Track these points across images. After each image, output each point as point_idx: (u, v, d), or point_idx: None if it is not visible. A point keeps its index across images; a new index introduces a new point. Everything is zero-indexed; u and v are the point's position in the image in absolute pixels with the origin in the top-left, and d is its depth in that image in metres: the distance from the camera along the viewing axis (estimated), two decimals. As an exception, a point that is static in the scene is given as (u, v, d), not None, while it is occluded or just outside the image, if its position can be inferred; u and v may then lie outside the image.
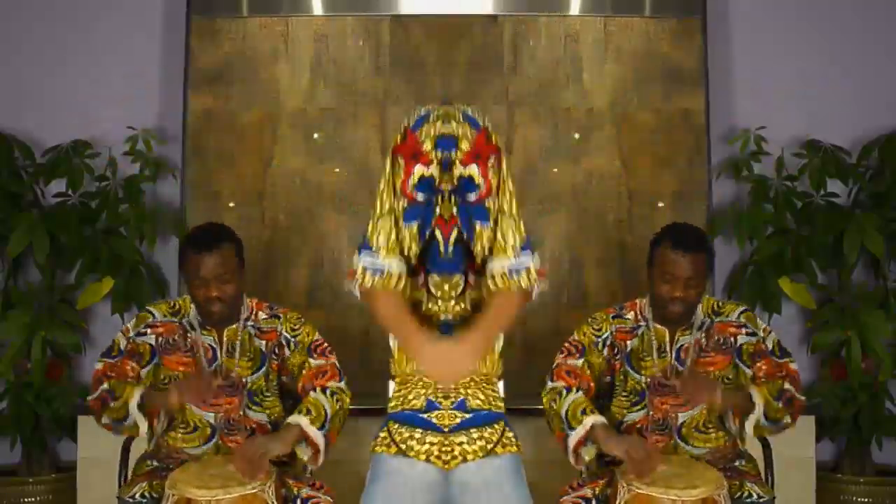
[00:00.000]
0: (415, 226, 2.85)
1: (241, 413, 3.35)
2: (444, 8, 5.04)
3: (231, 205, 4.98)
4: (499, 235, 2.85)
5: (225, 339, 3.38)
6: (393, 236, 2.85)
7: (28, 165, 4.87)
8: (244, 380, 3.36)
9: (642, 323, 3.39)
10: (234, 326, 3.39)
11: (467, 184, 2.82)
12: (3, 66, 5.08)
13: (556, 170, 5.01)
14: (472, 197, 2.83)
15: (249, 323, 3.40)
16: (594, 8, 5.08)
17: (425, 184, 2.83)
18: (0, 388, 4.76)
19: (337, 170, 5.01)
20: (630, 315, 3.42)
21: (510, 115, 5.03)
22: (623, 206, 4.99)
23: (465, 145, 2.82)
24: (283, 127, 5.02)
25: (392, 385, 2.96)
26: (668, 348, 3.36)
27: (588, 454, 3.13)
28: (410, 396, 2.89)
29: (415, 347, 2.73)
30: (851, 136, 4.97)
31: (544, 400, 3.29)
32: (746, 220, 4.78)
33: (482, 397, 2.87)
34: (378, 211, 2.87)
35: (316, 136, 5.04)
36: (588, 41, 5.04)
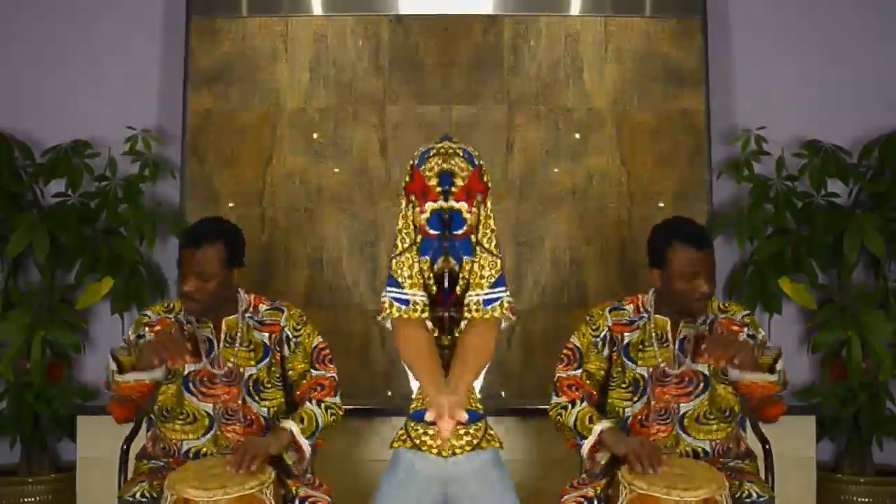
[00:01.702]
0: (428, 259, 3.07)
1: (240, 402, 3.36)
2: (444, 8, 5.05)
3: (231, 205, 4.97)
4: (475, 268, 3.07)
5: (224, 329, 3.39)
6: (416, 269, 3.07)
7: (28, 165, 4.87)
8: (243, 370, 3.37)
9: (644, 315, 3.40)
10: (232, 317, 3.40)
11: (457, 218, 3.04)
12: (3, 66, 5.08)
13: (556, 170, 5.01)
14: (459, 231, 3.05)
15: (248, 315, 3.41)
16: (594, 8, 5.09)
17: (436, 218, 3.04)
18: (0, 388, 4.77)
19: (336, 170, 5.01)
20: (629, 307, 3.44)
21: (510, 115, 5.02)
22: (623, 206, 4.99)
23: (459, 182, 3.04)
24: (283, 127, 5.02)
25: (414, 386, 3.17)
26: (669, 337, 3.37)
27: (603, 458, 3.27)
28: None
29: (427, 394, 3.00)
30: (851, 136, 4.97)
31: (551, 415, 3.40)
32: (747, 220, 4.78)
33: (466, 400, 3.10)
34: (399, 247, 3.09)
35: (315, 135, 5.03)
36: (588, 41, 5.04)
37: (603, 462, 3.26)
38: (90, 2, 5.11)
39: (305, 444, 3.27)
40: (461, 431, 3.00)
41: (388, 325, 3.13)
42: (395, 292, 3.08)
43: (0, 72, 5.08)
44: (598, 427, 3.24)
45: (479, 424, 3.04)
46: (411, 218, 3.07)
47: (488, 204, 3.09)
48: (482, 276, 3.07)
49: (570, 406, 3.33)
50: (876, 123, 4.94)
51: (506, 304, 3.09)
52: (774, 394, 3.25)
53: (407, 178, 3.08)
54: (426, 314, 3.08)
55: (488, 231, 3.08)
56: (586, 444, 3.25)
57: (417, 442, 3.00)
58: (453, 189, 3.03)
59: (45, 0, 5.10)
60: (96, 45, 5.08)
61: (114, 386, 3.26)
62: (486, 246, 3.07)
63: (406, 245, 3.07)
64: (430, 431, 2.99)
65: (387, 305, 3.09)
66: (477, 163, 3.07)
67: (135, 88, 5.06)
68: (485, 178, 3.07)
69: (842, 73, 5.08)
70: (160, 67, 5.11)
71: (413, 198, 3.06)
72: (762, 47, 5.10)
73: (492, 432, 3.06)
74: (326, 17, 5.07)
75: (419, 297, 3.07)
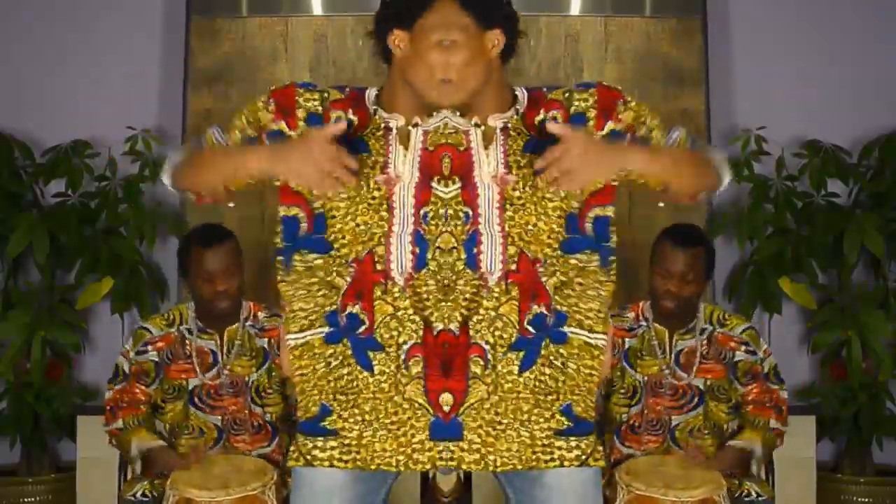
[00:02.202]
0: None
1: (247, 412, 3.36)
2: (444, 8, 5.04)
3: (231, 205, 4.94)
4: None
5: (226, 338, 3.38)
6: None
7: (28, 165, 4.87)
8: (247, 378, 3.36)
9: (643, 323, 3.40)
10: (233, 326, 3.39)
11: None
12: (3, 66, 5.08)
13: (556, 170, 5.00)
14: None
15: (248, 323, 3.40)
16: (594, 8, 5.08)
17: None
18: (0, 388, 4.76)
19: (337, 170, 5.01)
20: (630, 314, 3.44)
21: (510, 115, 5.02)
22: (623, 207, 4.98)
23: None
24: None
25: None
26: (667, 349, 3.36)
27: None
28: None
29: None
30: (851, 136, 4.97)
31: None
32: (746, 220, 4.78)
33: None
34: None
35: (316, 136, 5.03)
36: (588, 41, 5.04)
37: None
38: (90, 2, 5.10)
39: None
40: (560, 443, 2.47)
41: None
42: None
43: (0, 72, 5.07)
44: None
45: (591, 438, 2.50)
46: None
47: None
48: None
49: None
50: (876, 123, 4.94)
51: None
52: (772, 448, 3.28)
53: None
54: None
55: None
56: None
57: (309, 458, 2.48)
58: None
59: (45, 0, 5.10)
60: (96, 45, 5.08)
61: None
62: None
63: None
64: (319, 443, 2.47)
65: None
66: None
67: (135, 88, 5.05)
68: None
69: (842, 73, 5.08)
70: (160, 67, 5.11)
71: None
72: (762, 47, 5.10)
73: (600, 448, 2.53)
74: (326, 17, 5.06)
75: None
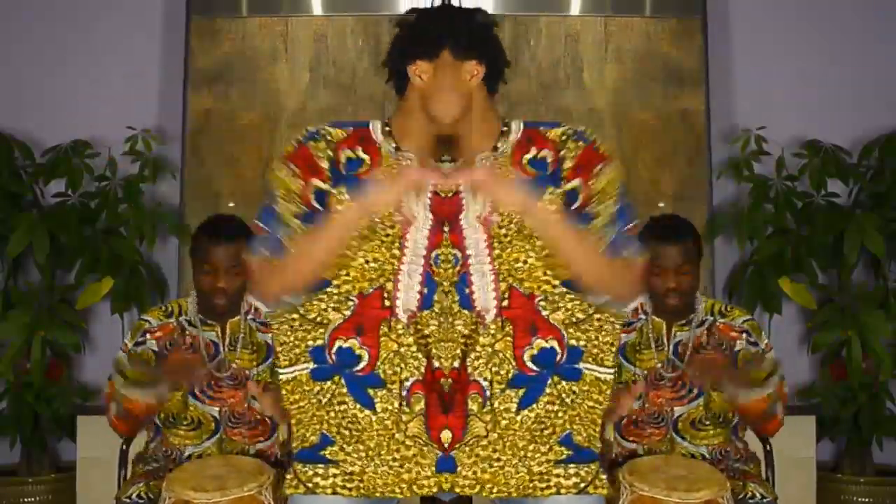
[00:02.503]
0: None
1: (246, 406, 3.36)
2: (444, 8, 5.04)
3: (231, 205, 4.97)
4: None
5: (228, 332, 3.38)
6: None
7: (28, 165, 4.87)
8: (247, 372, 3.36)
9: (642, 317, 3.40)
10: (235, 319, 3.39)
11: None
12: (3, 66, 5.08)
13: (556, 170, 5.01)
14: None
15: (250, 317, 3.40)
16: (594, 8, 5.08)
17: None
18: (0, 388, 4.77)
19: (337, 170, 5.01)
20: (628, 309, 3.44)
21: (511, 116, 5.01)
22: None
23: None
24: (283, 127, 5.01)
25: None
26: (665, 340, 3.36)
27: None
28: None
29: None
30: (851, 136, 4.97)
31: None
32: (746, 220, 4.78)
33: None
34: None
35: (316, 136, 5.03)
36: (588, 41, 5.04)
37: None
38: (90, 2, 5.11)
39: None
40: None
41: None
42: None
43: (0, 72, 5.08)
44: None
45: (592, 466, 2.51)
46: None
47: None
48: None
49: None
50: (876, 123, 4.94)
51: None
52: (768, 409, 3.23)
53: None
54: None
55: None
56: None
57: (310, 485, 2.49)
58: None
59: (45, 0, 5.10)
60: (96, 45, 5.08)
61: (122, 399, 3.25)
62: None
63: None
64: (320, 470, 2.48)
65: None
66: None
67: (135, 88, 5.05)
68: None
69: (842, 73, 5.08)
70: (160, 67, 5.11)
71: None
72: (762, 47, 5.10)
73: (603, 477, 2.53)
74: (326, 17, 5.06)
75: None
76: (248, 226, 3.40)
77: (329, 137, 2.48)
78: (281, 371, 2.50)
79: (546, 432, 2.45)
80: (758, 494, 3.23)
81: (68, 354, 4.80)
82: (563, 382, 2.44)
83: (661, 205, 4.96)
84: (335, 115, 5.01)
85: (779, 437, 3.50)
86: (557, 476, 2.45)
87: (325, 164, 2.45)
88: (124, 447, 3.49)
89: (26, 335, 4.62)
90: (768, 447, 3.48)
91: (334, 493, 2.45)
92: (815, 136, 4.92)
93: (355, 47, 5.02)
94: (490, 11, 5.04)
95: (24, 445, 4.73)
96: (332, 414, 2.46)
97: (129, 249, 4.73)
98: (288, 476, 2.52)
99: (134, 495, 3.24)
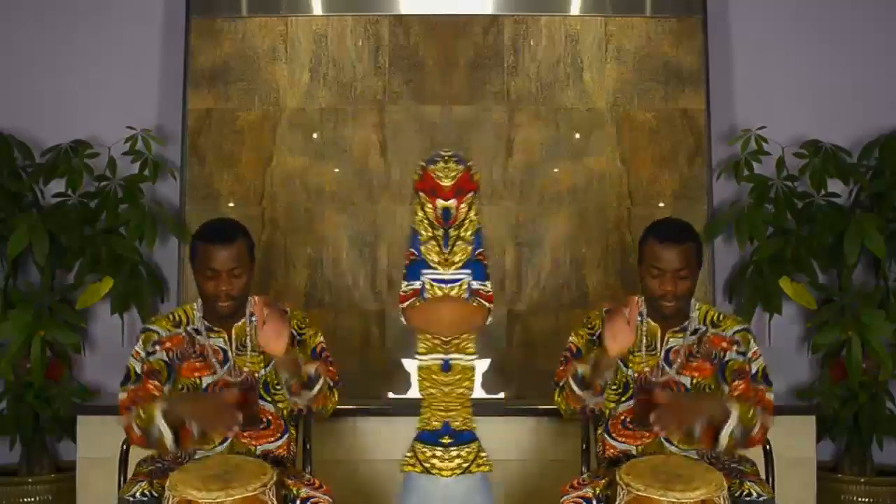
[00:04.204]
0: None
1: (256, 408, 3.36)
2: (444, 8, 5.04)
3: (231, 205, 4.97)
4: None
5: (234, 336, 3.38)
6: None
7: (28, 165, 4.87)
8: (256, 374, 3.36)
9: (637, 319, 3.39)
10: (240, 323, 3.39)
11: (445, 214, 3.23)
12: (3, 66, 5.08)
13: (556, 170, 5.00)
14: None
15: (254, 319, 3.40)
16: (594, 8, 5.08)
17: (446, 213, 3.24)
18: (0, 388, 4.77)
19: (336, 170, 5.01)
20: (626, 310, 3.43)
21: (510, 115, 5.02)
22: (623, 206, 4.98)
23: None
24: (283, 127, 5.02)
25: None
26: (658, 346, 3.36)
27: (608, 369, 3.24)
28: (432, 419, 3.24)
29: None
30: (851, 136, 4.97)
31: (558, 401, 3.39)
32: (747, 220, 4.78)
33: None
34: (425, 235, 3.24)
35: (315, 135, 5.03)
36: (588, 41, 5.04)
37: (607, 375, 3.24)
38: (90, 2, 5.11)
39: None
40: (453, 453, 3.13)
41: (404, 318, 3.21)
42: (433, 274, 3.19)
43: (0, 72, 5.08)
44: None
45: (472, 447, 3.18)
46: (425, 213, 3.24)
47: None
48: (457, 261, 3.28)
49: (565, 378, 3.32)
50: (876, 123, 4.94)
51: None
52: (748, 433, 3.22)
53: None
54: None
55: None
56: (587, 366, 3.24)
57: (427, 465, 3.12)
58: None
59: (45, 0, 5.10)
60: (96, 45, 5.08)
61: (153, 430, 3.22)
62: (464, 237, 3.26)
63: (430, 234, 3.22)
64: (438, 452, 3.12)
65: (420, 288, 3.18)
66: (466, 164, 3.26)
67: (135, 88, 5.05)
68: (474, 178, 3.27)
69: (842, 73, 5.08)
70: (160, 67, 5.11)
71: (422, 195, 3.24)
72: (762, 47, 5.10)
73: (484, 455, 3.17)
74: (326, 17, 5.06)
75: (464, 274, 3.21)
76: (243, 225, 3.43)
77: None
78: (418, 356, 3.14)
79: None
80: (754, 493, 3.24)
81: (68, 354, 4.80)
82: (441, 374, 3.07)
83: (661, 205, 4.97)
84: (335, 114, 5.02)
85: (779, 437, 3.51)
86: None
87: None
88: (124, 447, 3.49)
89: (26, 335, 4.62)
90: (768, 447, 3.48)
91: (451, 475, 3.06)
92: (815, 136, 4.92)
93: (355, 47, 5.02)
94: (490, 11, 5.13)
95: (24, 445, 4.73)
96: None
97: (129, 249, 4.73)
98: (407, 454, 3.07)
99: (137, 493, 3.24)
